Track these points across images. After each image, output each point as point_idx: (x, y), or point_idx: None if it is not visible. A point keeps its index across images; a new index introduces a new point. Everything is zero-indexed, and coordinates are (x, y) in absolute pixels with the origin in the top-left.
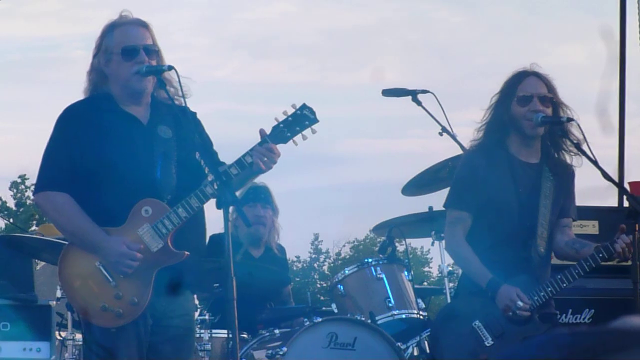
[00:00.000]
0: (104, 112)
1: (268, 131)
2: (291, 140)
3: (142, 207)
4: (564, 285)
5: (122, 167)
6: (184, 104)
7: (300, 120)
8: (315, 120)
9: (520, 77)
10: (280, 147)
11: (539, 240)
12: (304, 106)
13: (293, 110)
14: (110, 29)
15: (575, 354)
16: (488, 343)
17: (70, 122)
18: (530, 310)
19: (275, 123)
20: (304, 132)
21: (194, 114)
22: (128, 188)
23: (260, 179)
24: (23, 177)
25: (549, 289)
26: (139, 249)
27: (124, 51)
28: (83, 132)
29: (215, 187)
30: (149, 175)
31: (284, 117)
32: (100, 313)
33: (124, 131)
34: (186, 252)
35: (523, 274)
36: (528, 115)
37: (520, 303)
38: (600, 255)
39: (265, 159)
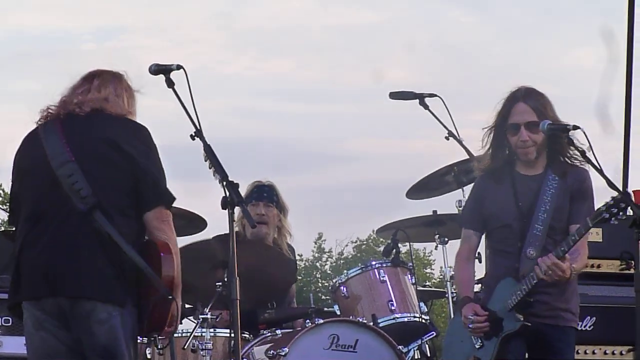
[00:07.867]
0: None
1: None
2: None
3: None
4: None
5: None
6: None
7: None
8: None
9: (510, 105)
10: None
11: (529, 248)
12: None
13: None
14: None
15: None
16: (478, 345)
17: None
18: (490, 320)
19: None
20: None
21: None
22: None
23: (267, 177)
24: None
25: (523, 287)
26: None
27: None
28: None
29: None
30: None
31: None
32: None
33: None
34: None
35: (509, 278)
36: (519, 144)
37: (471, 317)
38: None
39: None
